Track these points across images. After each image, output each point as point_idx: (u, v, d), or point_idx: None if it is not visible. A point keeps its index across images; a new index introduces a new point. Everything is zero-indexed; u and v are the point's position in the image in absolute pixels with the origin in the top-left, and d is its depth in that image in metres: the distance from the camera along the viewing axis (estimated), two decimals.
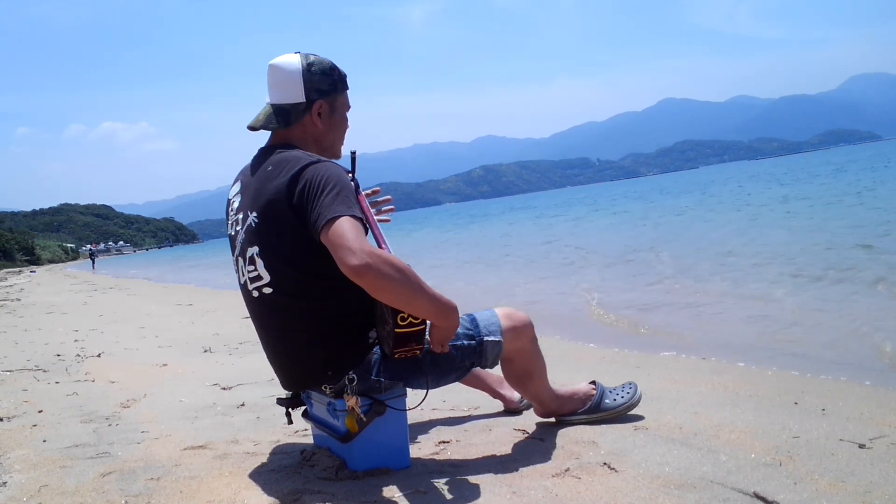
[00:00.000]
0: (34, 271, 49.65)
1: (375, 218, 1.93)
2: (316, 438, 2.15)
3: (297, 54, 1.89)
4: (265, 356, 2.00)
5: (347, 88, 1.96)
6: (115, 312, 8.92)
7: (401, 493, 1.68)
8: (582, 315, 5.71)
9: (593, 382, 2.28)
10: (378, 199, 2.20)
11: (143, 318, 7.67)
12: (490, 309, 2.06)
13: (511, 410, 2.46)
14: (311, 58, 1.89)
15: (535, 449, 2.00)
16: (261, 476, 1.89)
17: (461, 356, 1.93)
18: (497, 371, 2.17)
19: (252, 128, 1.92)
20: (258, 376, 3.47)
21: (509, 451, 2.02)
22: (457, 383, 2.08)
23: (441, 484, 1.73)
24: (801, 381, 2.82)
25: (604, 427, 2.14)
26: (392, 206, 2.26)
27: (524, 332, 2.04)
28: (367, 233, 1.70)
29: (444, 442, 2.15)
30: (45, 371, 4.15)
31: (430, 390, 1.89)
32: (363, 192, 1.97)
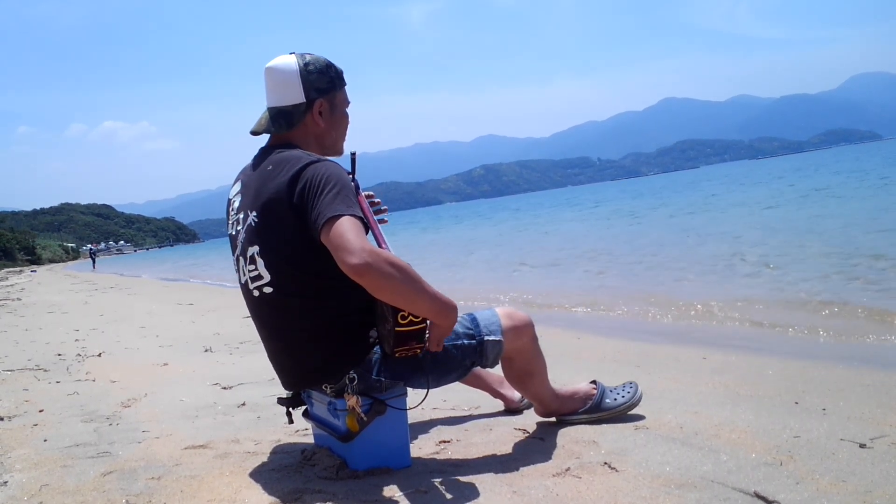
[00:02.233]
0: (35, 271, 49.69)
1: (375, 219, 1.93)
2: (316, 438, 2.15)
3: (293, 55, 1.89)
4: (266, 356, 2.00)
5: (345, 84, 1.96)
6: (116, 312, 8.92)
7: (401, 493, 1.68)
8: None
9: (594, 382, 2.28)
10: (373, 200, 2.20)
11: (144, 318, 7.68)
12: (491, 308, 2.06)
13: (512, 410, 2.46)
14: (307, 57, 1.89)
15: (535, 448, 2.00)
16: (261, 475, 1.89)
17: (462, 355, 1.93)
18: (498, 371, 2.17)
19: (255, 133, 1.92)
20: (259, 376, 3.47)
21: (510, 450, 2.02)
22: (457, 383, 2.08)
23: (441, 483, 1.73)
24: (802, 381, 2.82)
25: (604, 426, 2.14)
26: (385, 208, 2.24)
27: (525, 332, 2.04)
28: (367, 232, 1.70)
29: (444, 441, 2.14)
30: (45, 370, 4.15)
31: (430, 390, 1.89)
32: (363, 193, 1.97)
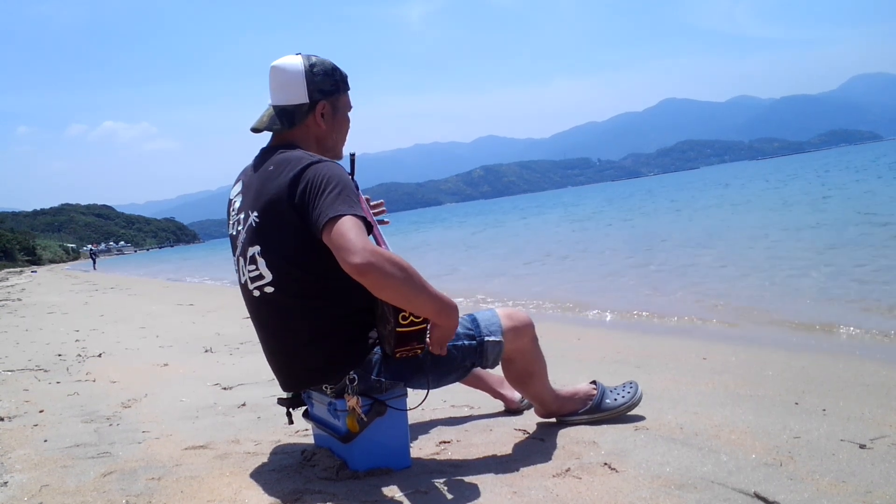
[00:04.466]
0: (35, 271, 49.69)
1: (375, 219, 1.93)
2: (317, 438, 2.15)
3: (299, 55, 1.89)
4: (264, 356, 2.00)
5: (349, 89, 1.97)
6: (116, 312, 8.92)
7: (401, 493, 1.68)
8: None
9: (594, 382, 2.28)
10: (372, 203, 2.20)
11: (144, 318, 7.68)
12: (491, 309, 2.06)
13: (512, 411, 2.46)
14: (313, 59, 1.90)
15: (535, 449, 2.00)
16: (261, 476, 1.89)
17: (462, 356, 1.93)
18: (498, 371, 2.17)
19: (255, 130, 1.92)
20: (259, 376, 3.47)
21: (510, 451, 2.02)
22: (457, 383, 2.08)
23: (442, 484, 1.73)
24: (802, 381, 2.82)
25: (604, 427, 2.14)
26: (384, 209, 2.25)
27: (525, 332, 2.04)
28: (369, 233, 1.70)
29: (444, 442, 2.15)
30: (46, 371, 4.15)
31: (430, 390, 1.89)
32: (363, 196, 1.98)
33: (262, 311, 1.87)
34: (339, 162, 1.94)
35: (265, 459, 2.06)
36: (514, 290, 7.80)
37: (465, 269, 11.20)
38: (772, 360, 3.36)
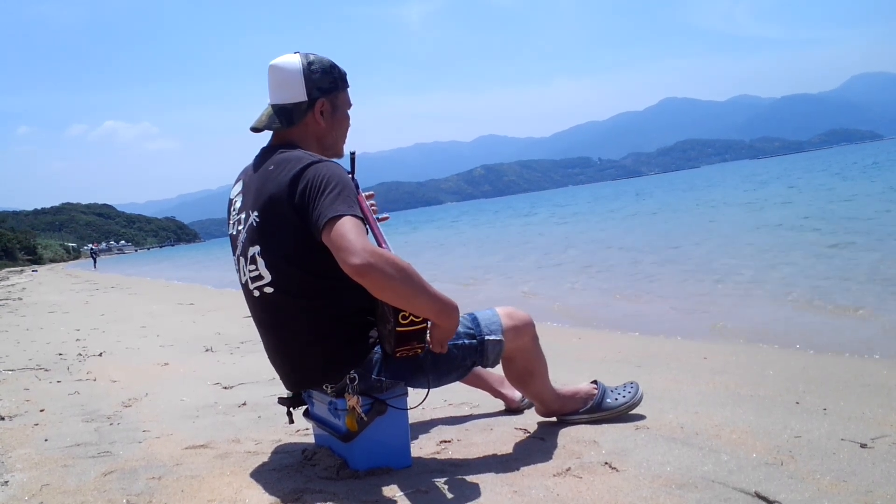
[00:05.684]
0: (36, 270, 49.73)
1: (375, 219, 1.93)
2: (317, 438, 2.15)
3: (297, 54, 1.90)
4: (266, 356, 2.00)
5: (348, 86, 1.97)
6: (117, 312, 8.93)
7: (402, 493, 1.68)
8: None
9: (595, 382, 2.28)
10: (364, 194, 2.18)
11: (145, 318, 7.68)
12: (491, 308, 2.06)
13: (512, 410, 2.46)
14: (311, 57, 1.90)
15: (536, 448, 2.00)
16: (262, 475, 1.89)
17: (462, 355, 1.93)
18: (498, 370, 2.17)
19: (255, 129, 1.92)
20: (259, 375, 3.47)
21: (510, 450, 2.02)
22: (458, 383, 2.08)
23: (442, 483, 1.73)
24: (803, 381, 2.82)
25: (605, 426, 2.14)
26: (374, 202, 2.23)
27: (525, 331, 2.04)
28: (368, 233, 1.70)
29: (445, 441, 2.15)
30: (46, 370, 4.16)
31: (431, 389, 1.89)
32: (363, 193, 1.97)
33: (263, 310, 1.87)
34: (340, 160, 1.94)
35: (266, 459, 2.06)
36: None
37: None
38: (772, 360, 3.36)
